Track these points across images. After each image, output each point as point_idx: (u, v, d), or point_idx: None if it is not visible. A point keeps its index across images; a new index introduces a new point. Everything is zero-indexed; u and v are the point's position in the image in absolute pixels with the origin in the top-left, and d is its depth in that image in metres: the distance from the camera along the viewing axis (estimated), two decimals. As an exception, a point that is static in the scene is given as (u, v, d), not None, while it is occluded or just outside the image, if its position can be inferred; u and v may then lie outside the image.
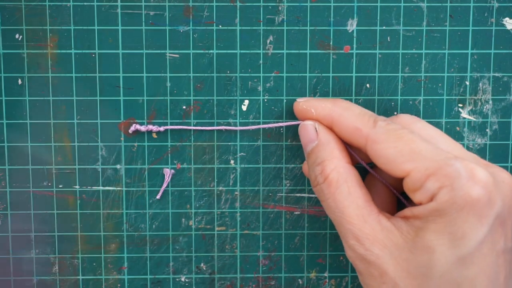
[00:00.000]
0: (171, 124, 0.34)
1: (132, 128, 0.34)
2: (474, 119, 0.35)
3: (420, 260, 0.26)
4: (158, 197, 0.35)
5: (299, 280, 0.36)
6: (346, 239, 0.28)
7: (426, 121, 0.34)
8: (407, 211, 0.27)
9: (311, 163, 0.30)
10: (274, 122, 0.34)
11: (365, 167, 0.31)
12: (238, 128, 0.34)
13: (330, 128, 0.30)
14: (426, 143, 0.27)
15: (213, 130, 0.34)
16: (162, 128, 0.34)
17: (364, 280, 0.28)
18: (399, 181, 0.28)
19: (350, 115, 0.29)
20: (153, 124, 0.34)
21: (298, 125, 0.32)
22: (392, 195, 0.32)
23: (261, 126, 0.34)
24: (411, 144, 0.27)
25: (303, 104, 0.31)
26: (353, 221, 0.28)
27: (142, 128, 0.34)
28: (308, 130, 0.31)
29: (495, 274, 0.26)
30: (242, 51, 0.34)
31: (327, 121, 0.30)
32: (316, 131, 0.30)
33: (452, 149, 0.28)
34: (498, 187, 0.26)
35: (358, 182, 0.29)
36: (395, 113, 0.34)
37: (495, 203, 0.25)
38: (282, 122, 0.34)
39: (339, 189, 0.28)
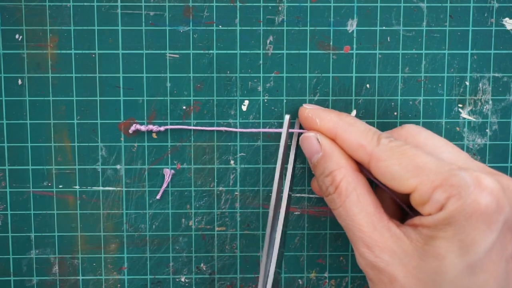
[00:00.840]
0: (171, 124, 0.34)
1: (133, 128, 0.34)
2: (474, 119, 0.35)
3: (430, 267, 0.26)
4: (158, 197, 0.35)
5: (299, 280, 0.36)
6: (357, 247, 0.28)
7: (427, 121, 0.34)
8: (416, 220, 0.27)
9: (319, 174, 0.30)
10: (274, 123, 0.34)
11: (371, 178, 0.31)
12: (238, 130, 0.34)
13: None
14: (430, 156, 0.27)
15: (213, 130, 0.34)
16: (162, 128, 0.34)
17: (374, 287, 0.28)
18: (404, 194, 0.28)
19: (355, 131, 0.29)
20: (153, 124, 0.34)
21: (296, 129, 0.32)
22: (397, 207, 0.32)
23: (261, 130, 0.34)
24: (415, 159, 0.27)
25: (309, 112, 0.31)
26: (363, 229, 0.28)
27: (143, 128, 0.34)
28: (311, 142, 0.30)
29: (505, 280, 0.26)
30: (242, 51, 0.34)
31: (331, 134, 0.30)
32: (319, 142, 0.30)
33: (458, 158, 0.28)
34: (505, 193, 0.26)
35: (367, 189, 0.29)
36: (395, 113, 0.34)
37: (503, 209, 0.25)
38: (283, 129, 0.34)
39: (349, 198, 0.28)
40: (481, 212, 0.25)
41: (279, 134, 0.34)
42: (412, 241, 0.27)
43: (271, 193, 0.35)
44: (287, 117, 0.32)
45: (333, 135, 0.30)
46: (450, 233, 0.25)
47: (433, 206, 0.26)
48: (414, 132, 0.30)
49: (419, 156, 0.27)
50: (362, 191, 0.29)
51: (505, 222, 0.26)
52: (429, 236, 0.26)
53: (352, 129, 0.29)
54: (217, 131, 0.34)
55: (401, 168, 0.27)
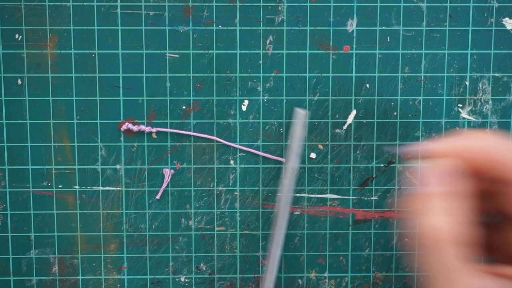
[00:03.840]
0: (171, 124, 0.34)
1: (124, 127, 0.34)
2: (474, 119, 0.35)
3: None
4: (158, 197, 0.35)
5: (299, 280, 0.36)
6: None
7: (427, 121, 0.34)
8: (503, 269, 0.24)
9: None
10: (274, 122, 0.34)
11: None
12: (237, 146, 0.34)
13: None
14: None
15: (212, 130, 0.34)
16: (154, 129, 0.34)
17: None
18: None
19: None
20: (152, 125, 0.34)
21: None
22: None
23: (260, 153, 0.34)
24: None
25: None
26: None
27: (135, 128, 0.34)
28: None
29: None
30: (242, 51, 0.34)
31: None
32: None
33: None
34: None
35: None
36: (395, 113, 0.34)
37: None
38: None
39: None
40: None
41: (279, 133, 0.34)
42: None
43: (270, 193, 0.35)
44: (299, 110, 0.32)
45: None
46: None
47: None
48: None
49: None
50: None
51: None
52: None
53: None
54: (217, 130, 0.34)
55: None
